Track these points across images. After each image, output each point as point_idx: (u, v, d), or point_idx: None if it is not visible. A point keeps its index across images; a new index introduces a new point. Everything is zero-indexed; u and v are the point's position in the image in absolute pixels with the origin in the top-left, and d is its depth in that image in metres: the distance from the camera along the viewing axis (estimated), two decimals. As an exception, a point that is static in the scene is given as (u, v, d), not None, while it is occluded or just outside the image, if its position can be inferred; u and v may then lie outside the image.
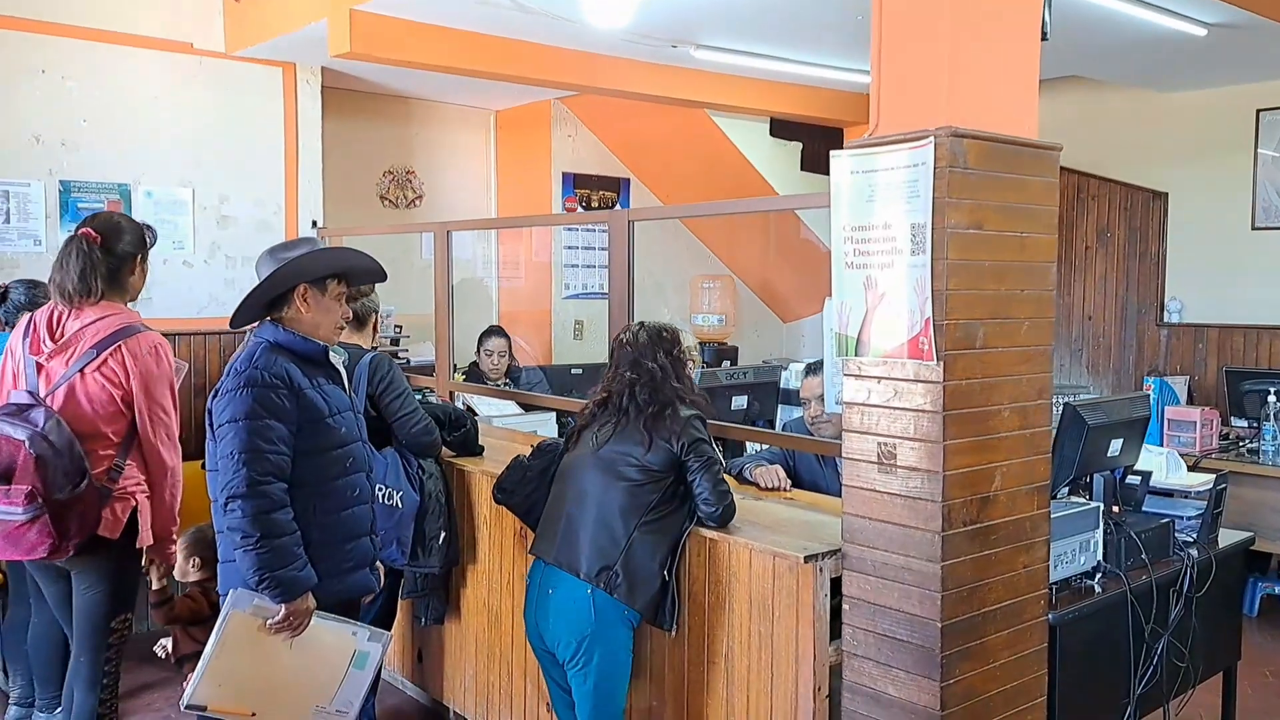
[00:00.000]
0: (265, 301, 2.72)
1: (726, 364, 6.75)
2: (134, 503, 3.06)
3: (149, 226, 3.27)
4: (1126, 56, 5.43)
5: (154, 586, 3.36)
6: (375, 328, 3.86)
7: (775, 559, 2.63)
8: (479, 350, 5.65)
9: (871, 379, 2.48)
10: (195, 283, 5.22)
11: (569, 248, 6.77)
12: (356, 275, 2.92)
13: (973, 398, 2.41)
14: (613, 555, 2.75)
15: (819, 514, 2.99)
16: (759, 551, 2.67)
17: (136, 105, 5.00)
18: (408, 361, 5.88)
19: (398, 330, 5.97)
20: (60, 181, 4.84)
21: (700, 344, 6.78)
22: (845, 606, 2.55)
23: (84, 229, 3.07)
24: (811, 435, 3.60)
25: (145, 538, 3.09)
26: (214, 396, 2.65)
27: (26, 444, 2.82)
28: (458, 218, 6.68)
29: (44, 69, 4.76)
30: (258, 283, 2.70)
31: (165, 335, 5.05)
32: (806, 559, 2.55)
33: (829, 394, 3.04)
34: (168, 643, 3.60)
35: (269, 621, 2.58)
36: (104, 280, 3.04)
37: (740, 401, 4.22)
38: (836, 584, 2.58)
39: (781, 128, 6.51)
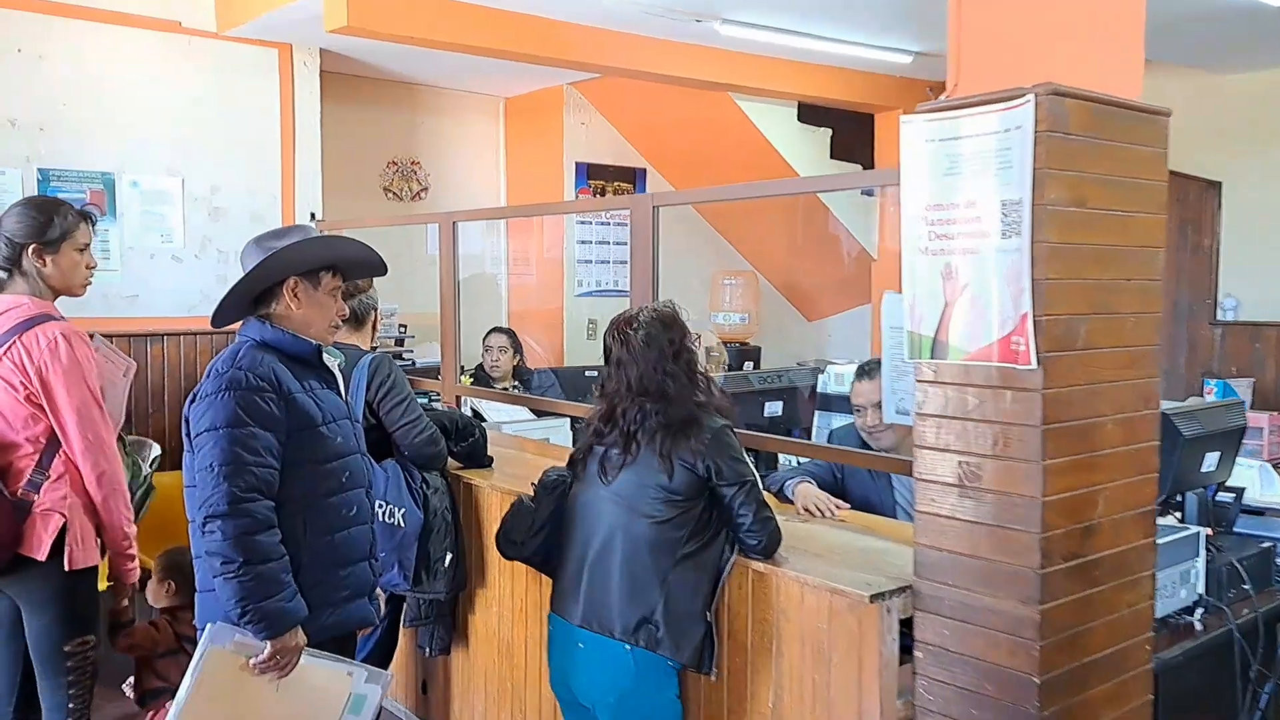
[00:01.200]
0: (251, 297, 2.41)
1: (750, 365, 6.37)
2: (61, 518, 2.69)
3: (77, 210, 2.87)
4: (1178, 34, 5.03)
5: (114, 607, 2.99)
6: (375, 326, 3.51)
7: (833, 597, 2.25)
8: (482, 348, 5.30)
9: (951, 386, 2.10)
10: (185, 279, 4.87)
11: (582, 242, 6.39)
12: (353, 267, 2.60)
13: (1074, 408, 2.03)
14: (650, 604, 2.37)
15: (876, 540, 2.61)
16: (814, 587, 2.29)
17: (121, 88, 4.65)
18: (413, 363, 5.54)
19: (402, 330, 5.64)
20: (39, 170, 4.49)
21: (722, 343, 6.40)
22: (918, 654, 2.17)
23: None
24: (863, 449, 3.22)
25: (76, 558, 2.69)
26: (191, 401, 2.33)
27: None
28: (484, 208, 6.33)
29: (20, 47, 4.41)
30: (242, 275, 2.38)
31: (152, 335, 4.85)
32: (873, 598, 2.16)
33: (888, 401, 2.67)
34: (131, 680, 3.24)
35: (252, 660, 2.26)
36: (7, 271, 2.73)
37: (774, 408, 3.84)
38: (904, 626, 2.20)
39: (810, 113, 6.12)
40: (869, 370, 3.27)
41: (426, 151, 6.30)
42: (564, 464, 2.69)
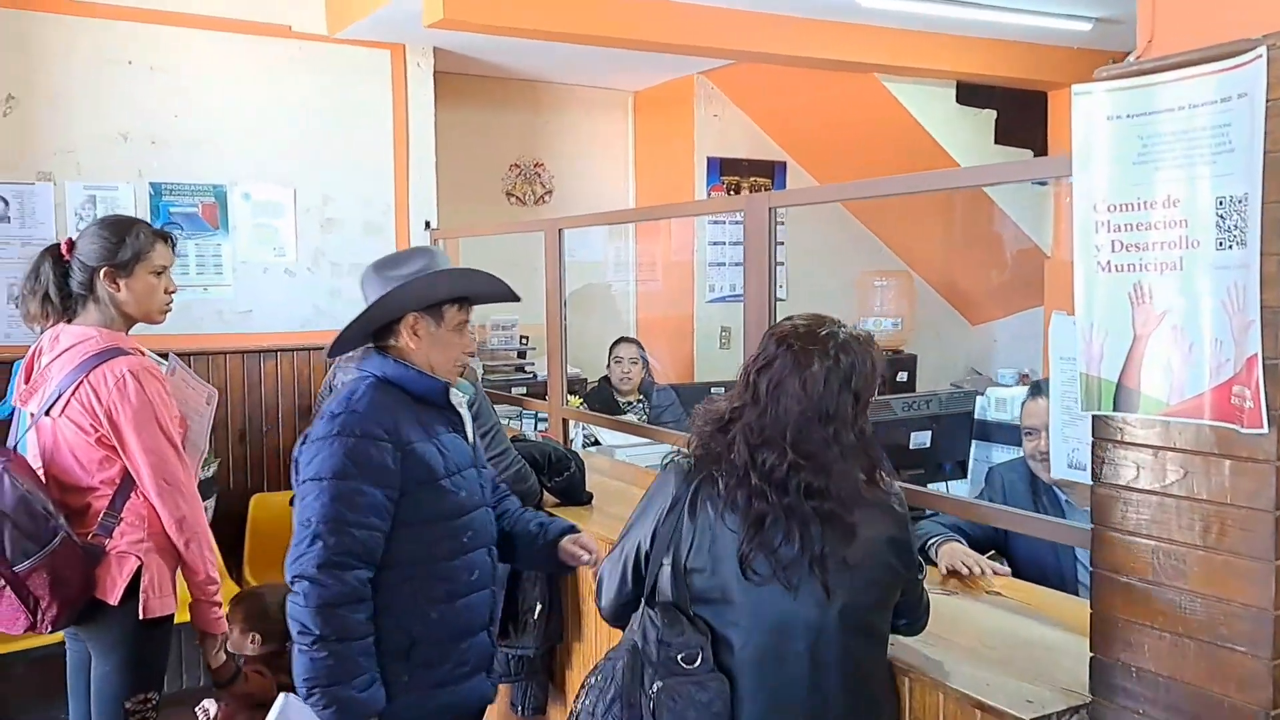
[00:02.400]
0: (369, 331, 2.18)
1: (903, 375, 5.76)
2: (136, 561, 2.49)
3: (155, 229, 2.66)
4: None
5: (210, 664, 2.75)
6: None
7: (982, 715, 1.73)
8: (609, 359, 4.95)
9: (1143, 449, 1.56)
10: (298, 293, 4.70)
11: (714, 243, 5.92)
12: (480, 299, 2.34)
13: (1325, 485, 1.45)
14: None
15: (1046, 625, 2.06)
16: (956, 698, 1.77)
17: (231, 97, 4.51)
18: (534, 376, 5.26)
19: (523, 341, 5.37)
20: (150, 184, 4.40)
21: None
22: (1096, 802, 1.64)
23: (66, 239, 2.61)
24: (1032, 487, 2.67)
25: (151, 605, 2.50)
26: (301, 443, 2.11)
27: None
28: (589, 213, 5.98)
29: (130, 59, 4.32)
30: (361, 311, 2.15)
31: (266, 351, 4.72)
32: (1035, 723, 1.64)
33: (1058, 449, 2.11)
34: (210, 706, 2.98)
35: None
36: (61, 299, 2.55)
37: (921, 439, 3.29)
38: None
39: (970, 93, 5.44)
40: (1042, 388, 2.72)
41: (551, 152, 5.98)
42: None
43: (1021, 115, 5.54)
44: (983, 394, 3.37)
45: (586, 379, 5.22)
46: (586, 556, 2.36)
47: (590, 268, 5.83)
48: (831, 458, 1.68)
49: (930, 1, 4.41)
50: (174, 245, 2.71)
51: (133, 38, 4.30)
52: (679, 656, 1.66)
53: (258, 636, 3.00)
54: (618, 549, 1.84)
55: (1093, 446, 1.65)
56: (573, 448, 3.73)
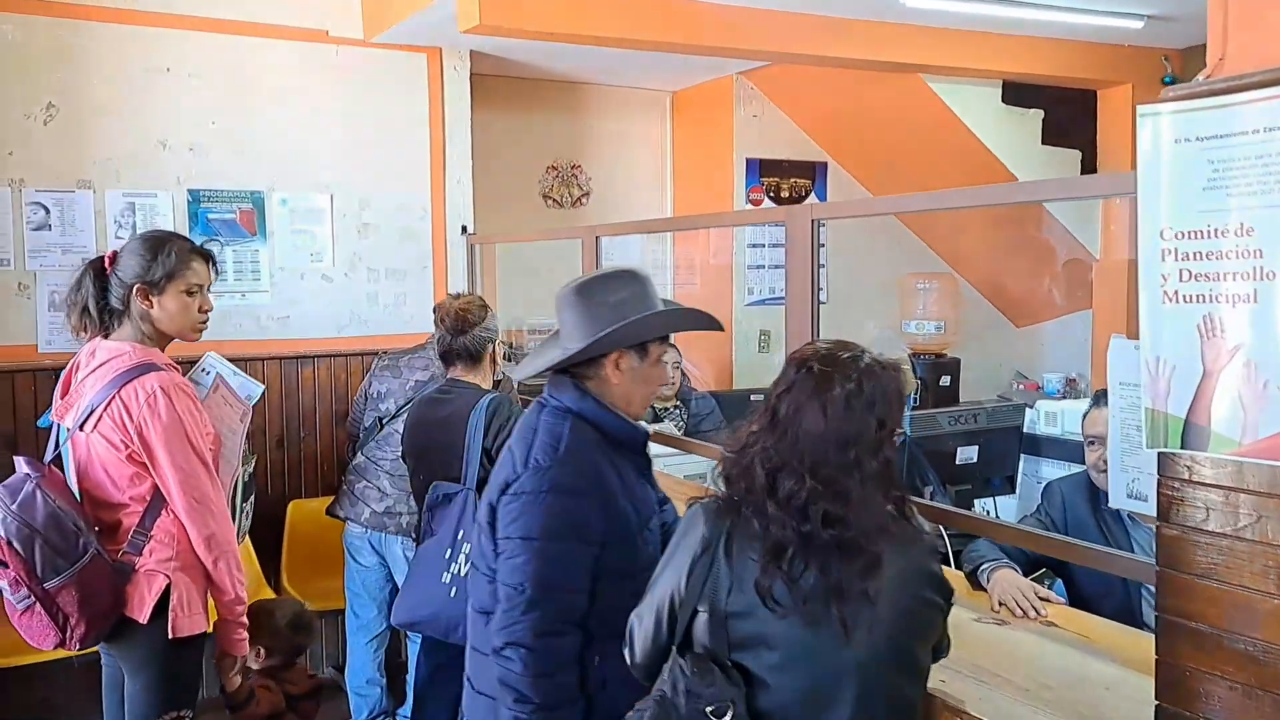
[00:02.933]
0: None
1: (946, 380, 5.64)
2: (165, 580, 2.48)
3: (192, 247, 2.65)
4: None
5: (226, 686, 2.74)
6: (494, 360, 3.16)
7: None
8: None
9: (1212, 489, 1.48)
10: (335, 298, 4.69)
11: (753, 245, 5.83)
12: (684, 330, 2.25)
13: None
14: None
15: (1106, 663, 1.98)
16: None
17: (269, 103, 4.50)
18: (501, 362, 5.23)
19: (559, 347, 5.31)
20: (189, 191, 4.40)
21: (912, 356, 5.71)
22: None
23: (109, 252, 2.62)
24: (1092, 500, 2.58)
25: (180, 624, 2.48)
26: (504, 490, 1.99)
27: (0, 526, 2.35)
28: (630, 216, 5.91)
29: (168, 66, 4.32)
30: (564, 340, 2.04)
31: (303, 357, 4.71)
32: (1093, 778, 1.57)
33: (1117, 479, 2.02)
34: None
35: None
36: (110, 312, 2.56)
37: (968, 453, 3.20)
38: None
39: (1016, 93, 5.30)
40: (1104, 398, 2.62)
41: (588, 154, 5.92)
42: None
43: (1069, 115, 5.40)
44: (1032, 407, 3.26)
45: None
46: None
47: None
48: (852, 485, 1.61)
49: (978, 2, 4.29)
50: (214, 263, 2.69)
51: (171, 45, 4.30)
52: (708, 709, 1.58)
53: (263, 650, 2.99)
54: (649, 597, 1.76)
55: (1159, 484, 1.56)
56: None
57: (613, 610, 1.93)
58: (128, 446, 2.46)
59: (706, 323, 2.16)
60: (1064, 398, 5.77)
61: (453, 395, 3.05)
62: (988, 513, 3.04)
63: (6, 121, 4.06)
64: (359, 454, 3.75)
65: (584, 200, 5.89)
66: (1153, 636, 1.58)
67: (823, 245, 2.81)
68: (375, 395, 3.77)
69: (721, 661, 1.62)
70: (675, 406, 4.90)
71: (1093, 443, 2.63)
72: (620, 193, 5.97)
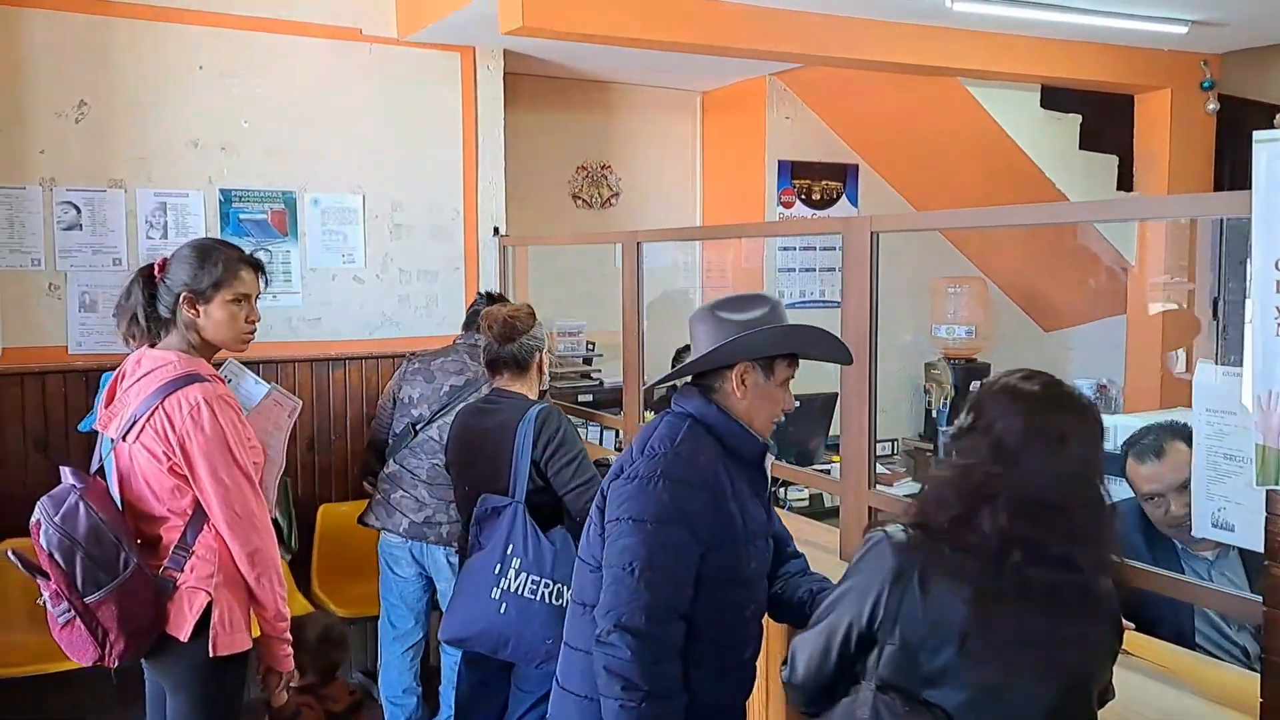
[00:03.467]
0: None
1: (976, 385, 5.58)
2: (206, 597, 2.42)
3: (242, 256, 2.59)
4: None
5: (272, 702, 2.70)
6: (541, 370, 3.09)
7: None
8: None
9: (1336, 533, 1.43)
10: (366, 300, 4.64)
11: (784, 249, 5.78)
12: (812, 357, 2.18)
13: None
14: None
15: (1179, 690, 1.93)
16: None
17: (301, 102, 4.45)
18: (600, 383, 5.17)
19: (590, 348, 5.27)
20: (220, 191, 4.35)
21: (946, 361, 5.66)
22: None
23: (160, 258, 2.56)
24: (1147, 528, 2.54)
25: (221, 642, 2.43)
26: (616, 475, 1.99)
27: (41, 537, 2.32)
28: (659, 217, 5.86)
29: (200, 64, 4.27)
30: (694, 355, 2.05)
31: (334, 360, 4.67)
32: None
33: (1201, 507, 1.97)
34: None
35: None
36: (147, 320, 2.52)
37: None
38: None
39: (1055, 97, 5.24)
40: (1153, 444, 2.56)
41: (618, 154, 5.87)
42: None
43: (1106, 119, 5.33)
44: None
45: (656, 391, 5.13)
46: None
47: (657, 273, 5.72)
48: (1086, 524, 1.59)
49: (1024, 7, 4.23)
50: (263, 272, 2.64)
51: (204, 43, 4.25)
52: None
53: (296, 671, 2.95)
54: (820, 625, 1.72)
55: (1267, 522, 1.52)
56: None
57: (709, 616, 1.90)
58: (169, 459, 2.41)
59: (833, 350, 2.11)
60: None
61: (500, 405, 2.99)
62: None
63: (38, 119, 4.02)
64: (391, 462, 3.68)
65: (613, 201, 5.83)
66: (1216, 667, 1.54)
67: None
68: (407, 400, 3.68)
69: (916, 695, 1.59)
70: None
71: (1153, 499, 2.55)
72: (650, 194, 5.92)
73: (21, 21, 3.97)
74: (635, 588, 1.84)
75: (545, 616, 2.67)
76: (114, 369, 3.95)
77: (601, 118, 5.81)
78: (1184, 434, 2.47)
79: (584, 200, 5.79)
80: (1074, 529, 1.58)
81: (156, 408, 2.41)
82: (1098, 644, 1.64)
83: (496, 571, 2.73)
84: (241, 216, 4.40)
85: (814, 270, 5.79)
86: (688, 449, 1.95)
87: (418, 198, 4.71)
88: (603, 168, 5.82)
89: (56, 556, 2.31)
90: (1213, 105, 5.23)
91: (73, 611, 2.34)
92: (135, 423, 2.42)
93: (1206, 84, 5.21)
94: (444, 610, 3.10)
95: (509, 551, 2.75)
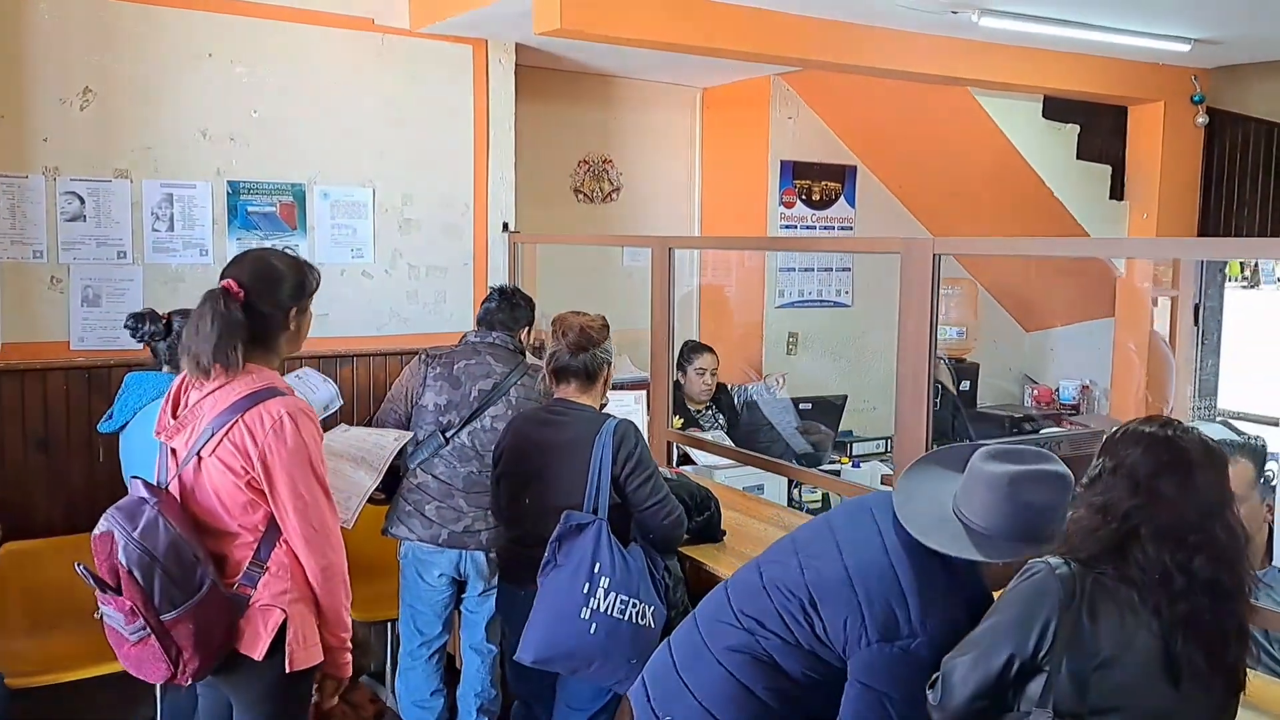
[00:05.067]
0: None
1: (965, 385, 5.71)
2: (281, 614, 2.38)
3: (311, 267, 2.54)
4: None
5: (322, 705, 2.66)
6: (607, 383, 3.06)
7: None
8: (684, 370, 4.84)
9: None
10: (375, 296, 4.56)
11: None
12: None
13: None
14: None
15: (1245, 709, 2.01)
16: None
17: (312, 93, 4.33)
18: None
19: (599, 345, 5.26)
20: (228, 182, 4.22)
21: (946, 360, 5.76)
22: None
23: (226, 280, 2.36)
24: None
25: (298, 658, 2.39)
26: (892, 637, 1.93)
27: (119, 552, 2.25)
28: (659, 212, 5.84)
29: (210, 52, 4.13)
30: (975, 524, 1.96)
31: (342, 356, 4.56)
32: None
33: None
34: None
35: None
36: (246, 346, 2.35)
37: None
38: None
39: (1056, 107, 5.34)
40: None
41: (618, 148, 5.82)
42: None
43: (1102, 129, 5.47)
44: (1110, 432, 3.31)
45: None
46: None
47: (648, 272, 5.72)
48: (1228, 547, 1.71)
49: (1044, 23, 4.30)
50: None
51: (213, 30, 4.11)
52: None
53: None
54: (977, 652, 1.76)
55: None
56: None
57: None
58: (248, 473, 2.35)
59: None
60: (1079, 405, 5.91)
61: (568, 417, 2.90)
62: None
63: (41, 106, 3.85)
64: (419, 471, 3.52)
65: (614, 195, 5.80)
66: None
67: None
68: (432, 407, 3.53)
69: None
70: (706, 408, 4.90)
71: None
72: (650, 190, 5.89)
73: (25, 4, 3.80)
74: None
75: (631, 637, 2.63)
76: (118, 366, 3.92)
77: (603, 111, 5.76)
78: (1248, 450, 2.56)
79: (585, 194, 5.74)
80: (1218, 551, 1.69)
81: (236, 421, 2.33)
82: (1240, 667, 1.74)
83: (585, 591, 2.64)
84: (250, 209, 4.28)
85: (813, 270, 5.83)
86: (961, 628, 1.89)
87: (428, 192, 4.63)
88: (604, 162, 5.78)
89: (136, 573, 2.24)
90: (1202, 119, 5.39)
91: (148, 629, 2.27)
92: (212, 436, 2.35)
93: (1197, 98, 5.36)
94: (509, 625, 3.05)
95: (596, 570, 2.66)
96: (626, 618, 2.63)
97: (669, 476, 3.29)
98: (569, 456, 2.81)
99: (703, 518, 3.09)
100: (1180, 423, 1.81)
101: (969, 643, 1.79)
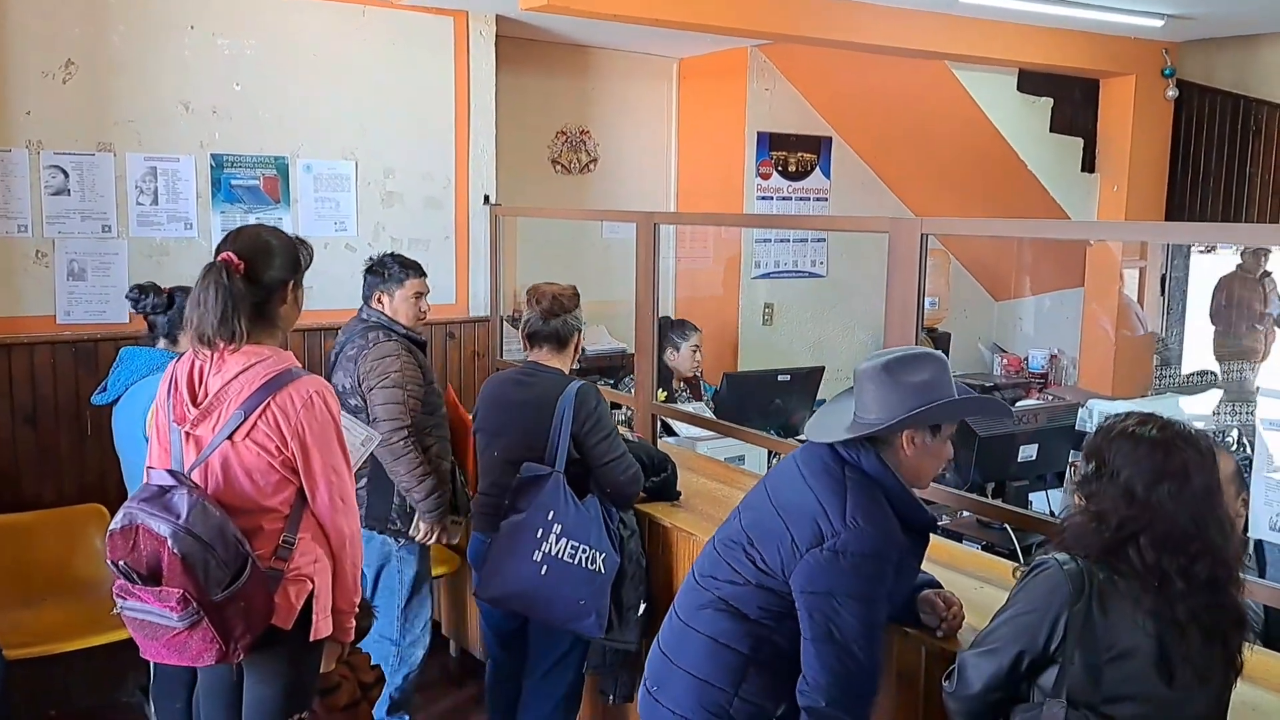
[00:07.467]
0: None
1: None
2: (310, 585, 2.46)
3: (303, 241, 2.58)
4: None
5: (321, 668, 2.74)
6: (577, 349, 3.19)
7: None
8: (677, 346, 4.91)
9: None
10: (358, 268, 4.50)
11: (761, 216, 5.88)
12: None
13: None
14: None
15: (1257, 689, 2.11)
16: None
17: (295, 65, 4.33)
18: (583, 350, 5.23)
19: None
20: (212, 155, 4.23)
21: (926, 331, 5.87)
22: None
23: (225, 253, 2.39)
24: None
25: (322, 627, 2.49)
26: (816, 543, 2.01)
27: (170, 543, 2.25)
28: (636, 184, 5.87)
29: (193, 24, 4.12)
30: (862, 412, 2.09)
31: (327, 329, 4.58)
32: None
33: (1258, 516, 2.18)
34: None
35: None
36: (249, 319, 2.39)
37: (1029, 451, 3.37)
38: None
39: (1030, 81, 5.43)
40: None
41: (595, 119, 5.84)
42: None
43: (1075, 102, 5.56)
44: (1084, 405, 3.43)
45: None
46: (944, 610, 2.29)
47: (630, 243, 5.76)
48: (1222, 544, 1.75)
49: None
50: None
51: (195, 2, 4.10)
52: None
53: None
54: (992, 645, 1.83)
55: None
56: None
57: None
58: (282, 452, 2.40)
59: (998, 411, 2.37)
60: (1047, 374, 6.06)
61: (536, 379, 3.07)
62: (1052, 514, 3.20)
63: (24, 79, 3.84)
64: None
65: (591, 166, 5.82)
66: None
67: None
68: (436, 395, 3.59)
69: (1100, 713, 1.74)
70: (682, 390, 4.98)
71: None
72: (627, 161, 5.92)
73: (5, -25, 3.77)
74: (860, 678, 1.97)
75: (580, 579, 2.86)
76: (104, 339, 3.93)
77: (580, 82, 5.77)
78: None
79: (563, 165, 5.76)
80: (1213, 550, 1.74)
81: (267, 403, 2.37)
82: (1239, 652, 1.81)
83: (539, 536, 2.88)
84: (234, 182, 4.29)
85: (789, 240, 5.91)
86: (880, 517, 2.01)
87: (410, 164, 4.65)
88: (581, 133, 5.80)
89: (189, 561, 2.26)
90: (1172, 92, 5.50)
91: (200, 613, 2.29)
92: (245, 420, 2.38)
93: (1167, 71, 5.47)
94: (478, 570, 3.15)
95: (550, 517, 2.90)
96: (576, 561, 2.87)
97: (629, 438, 3.45)
98: (535, 414, 2.98)
99: (659, 478, 3.25)
100: (1172, 422, 1.82)
101: (983, 636, 1.87)
